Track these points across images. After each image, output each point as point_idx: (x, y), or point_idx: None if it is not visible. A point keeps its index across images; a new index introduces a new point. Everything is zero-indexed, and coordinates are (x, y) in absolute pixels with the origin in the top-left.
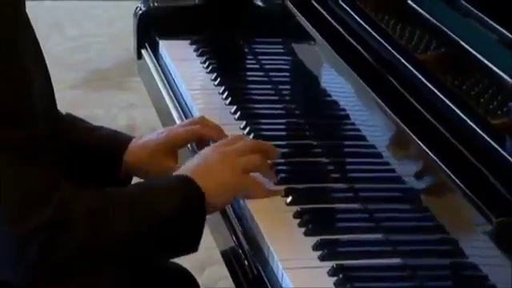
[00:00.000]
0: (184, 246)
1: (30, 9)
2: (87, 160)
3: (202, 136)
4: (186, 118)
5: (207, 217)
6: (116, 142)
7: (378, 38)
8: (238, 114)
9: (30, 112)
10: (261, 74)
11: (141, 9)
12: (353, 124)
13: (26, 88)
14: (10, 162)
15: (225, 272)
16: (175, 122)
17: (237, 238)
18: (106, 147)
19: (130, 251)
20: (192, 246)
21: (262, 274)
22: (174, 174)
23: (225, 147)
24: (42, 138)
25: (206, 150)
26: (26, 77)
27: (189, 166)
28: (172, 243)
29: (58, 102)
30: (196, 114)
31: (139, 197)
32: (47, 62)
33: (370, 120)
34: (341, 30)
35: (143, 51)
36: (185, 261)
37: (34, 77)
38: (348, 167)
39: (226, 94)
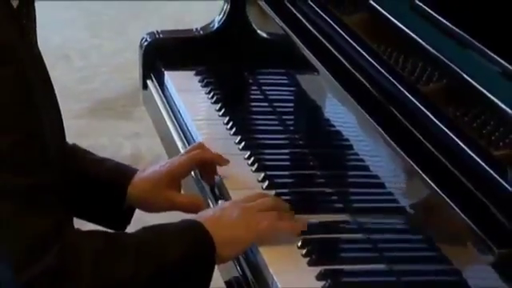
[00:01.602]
0: None
1: (38, 41)
2: (92, 191)
3: (202, 160)
4: None
5: None
6: (121, 175)
7: (381, 69)
8: (243, 144)
9: (40, 159)
10: (265, 104)
11: (146, 40)
12: (356, 154)
13: (35, 133)
14: (12, 210)
15: None
16: (180, 152)
17: (241, 267)
18: (111, 179)
19: None
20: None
21: None
22: (189, 218)
23: (244, 203)
24: (47, 183)
25: (226, 203)
26: (36, 121)
27: (205, 214)
28: None
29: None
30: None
31: (147, 241)
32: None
33: (373, 150)
34: (345, 62)
35: (148, 81)
36: None
37: (46, 116)
38: (351, 197)
39: (230, 124)
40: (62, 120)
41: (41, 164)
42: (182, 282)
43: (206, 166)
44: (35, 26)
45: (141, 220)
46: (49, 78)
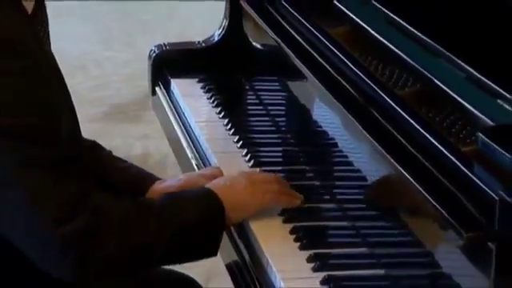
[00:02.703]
0: (204, 250)
1: (58, 53)
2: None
3: None
4: (195, 146)
5: None
6: (141, 182)
7: (362, 76)
8: (240, 142)
9: (55, 135)
10: (260, 107)
11: (155, 51)
12: (341, 151)
13: (54, 118)
14: (42, 177)
15: (229, 282)
16: (185, 151)
17: (239, 251)
18: (132, 187)
19: (157, 254)
20: (211, 251)
21: (262, 284)
22: (204, 187)
23: (252, 174)
24: (68, 155)
25: (234, 174)
26: (54, 109)
27: (217, 183)
28: (194, 248)
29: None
30: (203, 143)
31: (167, 206)
32: (72, 97)
33: (355, 148)
34: (331, 70)
35: (157, 88)
36: (192, 271)
37: (62, 109)
38: (337, 189)
39: (229, 125)
40: (75, 115)
41: (62, 140)
42: (197, 241)
43: None
44: (48, 31)
45: None
46: (63, 80)
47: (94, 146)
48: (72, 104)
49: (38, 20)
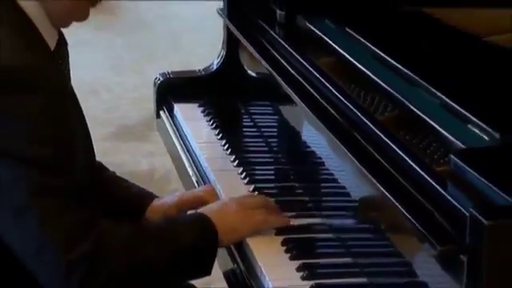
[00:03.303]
0: (199, 271)
1: (74, 78)
2: (118, 212)
3: (204, 202)
4: (195, 164)
5: None
6: (142, 200)
7: (346, 102)
8: (236, 161)
9: (68, 165)
10: (254, 129)
11: (159, 79)
12: (327, 169)
13: (69, 148)
14: (53, 205)
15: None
16: (186, 168)
17: (235, 261)
18: (133, 204)
19: (156, 274)
20: (205, 272)
21: None
22: (197, 211)
23: (242, 199)
24: (79, 184)
25: (225, 199)
26: (70, 140)
27: (210, 208)
28: (189, 269)
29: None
30: (203, 162)
31: (165, 230)
32: (86, 118)
33: (340, 166)
34: (318, 96)
35: (161, 112)
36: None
37: (78, 139)
38: (324, 204)
39: (226, 145)
40: (91, 140)
41: (75, 169)
42: (192, 263)
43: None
44: (69, 66)
45: None
46: (80, 108)
47: (100, 166)
48: (88, 130)
49: (60, 55)
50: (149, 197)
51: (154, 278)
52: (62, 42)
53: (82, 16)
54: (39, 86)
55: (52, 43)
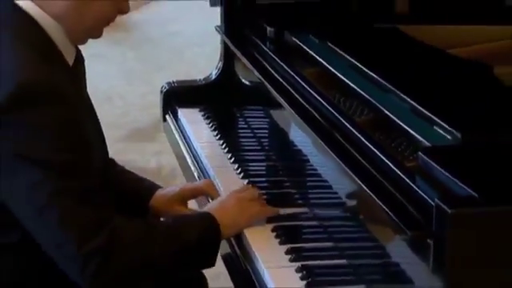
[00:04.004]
0: (204, 263)
1: (90, 87)
2: (127, 201)
3: (204, 193)
4: (197, 162)
5: None
6: (147, 189)
7: (328, 106)
8: (233, 159)
9: (84, 169)
10: (248, 131)
11: (165, 87)
12: (311, 165)
13: (85, 154)
14: (70, 205)
15: (225, 269)
16: (189, 165)
17: (232, 246)
18: (139, 193)
19: (164, 267)
20: (210, 263)
21: (250, 270)
22: (201, 210)
23: (238, 194)
24: (93, 186)
25: (225, 196)
26: (86, 144)
27: (211, 206)
28: (195, 261)
29: (108, 151)
30: (203, 159)
31: (173, 227)
32: (101, 122)
33: (322, 162)
34: (302, 101)
35: (167, 116)
36: None
37: (92, 142)
38: (309, 195)
39: (224, 145)
40: (105, 142)
41: (90, 173)
42: (198, 256)
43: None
44: (85, 79)
45: None
46: (96, 117)
47: (112, 162)
48: (103, 136)
49: (78, 70)
50: (153, 187)
51: (162, 271)
52: (80, 59)
53: (98, 34)
54: (57, 99)
55: (70, 60)
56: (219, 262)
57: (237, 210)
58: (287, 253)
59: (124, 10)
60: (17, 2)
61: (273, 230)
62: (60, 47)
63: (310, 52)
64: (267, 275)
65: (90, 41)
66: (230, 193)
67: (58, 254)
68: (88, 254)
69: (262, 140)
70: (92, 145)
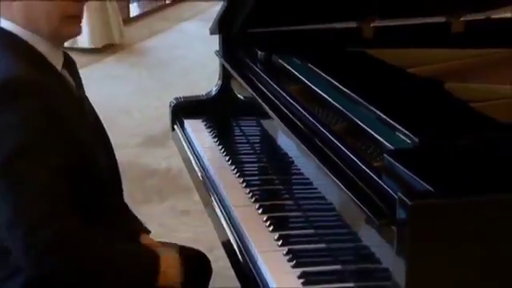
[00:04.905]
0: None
1: (112, 102)
2: None
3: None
4: (200, 164)
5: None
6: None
7: (309, 117)
8: (230, 161)
9: (56, 159)
10: (242, 138)
11: (173, 102)
12: (296, 166)
13: (63, 142)
14: (33, 193)
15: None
16: (194, 166)
17: (231, 233)
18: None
19: (96, 280)
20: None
21: (245, 254)
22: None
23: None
24: (61, 178)
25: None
26: (67, 134)
27: (168, 251)
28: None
29: (126, 156)
30: (206, 162)
31: (119, 253)
32: (119, 133)
33: (305, 163)
34: (288, 113)
35: (175, 126)
36: (200, 245)
37: (79, 134)
38: (294, 190)
39: (222, 150)
40: (110, 145)
41: (60, 165)
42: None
43: None
44: (79, 79)
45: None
46: (94, 114)
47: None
48: (104, 134)
49: (70, 71)
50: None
51: (95, 282)
52: (70, 62)
53: (69, 30)
54: (38, 92)
55: (58, 65)
56: (220, 248)
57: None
58: (277, 239)
59: None
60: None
61: (265, 220)
62: (45, 54)
63: (294, 72)
64: (259, 257)
65: (112, 64)
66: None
67: (9, 235)
68: (33, 242)
69: (255, 145)
70: (77, 139)
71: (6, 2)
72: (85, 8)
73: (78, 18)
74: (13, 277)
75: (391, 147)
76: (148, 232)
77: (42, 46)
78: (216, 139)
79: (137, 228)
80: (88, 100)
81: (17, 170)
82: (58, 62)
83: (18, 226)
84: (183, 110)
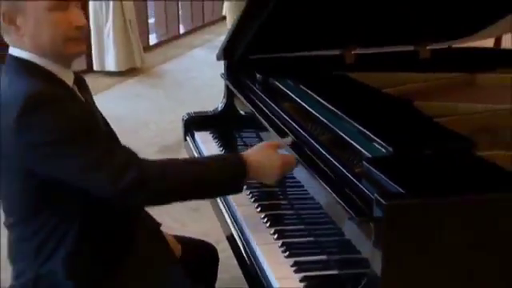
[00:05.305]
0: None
1: (133, 118)
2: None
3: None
4: None
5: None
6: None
7: (299, 129)
8: None
9: (99, 135)
10: (244, 148)
11: (186, 117)
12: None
13: (94, 123)
14: (102, 155)
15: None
16: None
17: (234, 228)
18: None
19: (192, 195)
20: (237, 191)
21: (246, 246)
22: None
23: (268, 147)
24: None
25: (256, 149)
26: (93, 119)
27: (253, 153)
28: (218, 192)
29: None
30: None
31: (197, 164)
32: (139, 142)
33: (296, 169)
34: (282, 126)
35: (187, 137)
36: (208, 238)
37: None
38: (288, 192)
39: None
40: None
41: (103, 138)
42: (219, 191)
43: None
44: (89, 93)
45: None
46: (95, 116)
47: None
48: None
49: (81, 86)
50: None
51: (191, 196)
52: (80, 79)
53: (74, 51)
54: (59, 102)
55: (69, 80)
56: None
57: (266, 159)
58: (273, 233)
59: (74, 21)
60: (10, 53)
61: (263, 217)
62: (55, 73)
63: (287, 92)
64: (258, 249)
65: (134, 85)
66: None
67: (101, 192)
68: (122, 187)
69: None
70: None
71: (17, 32)
72: (111, 37)
73: (79, 39)
74: (55, 252)
75: (369, 155)
76: (160, 224)
77: (51, 67)
78: (221, 148)
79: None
80: (101, 113)
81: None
82: (68, 79)
83: (105, 165)
84: (194, 123)
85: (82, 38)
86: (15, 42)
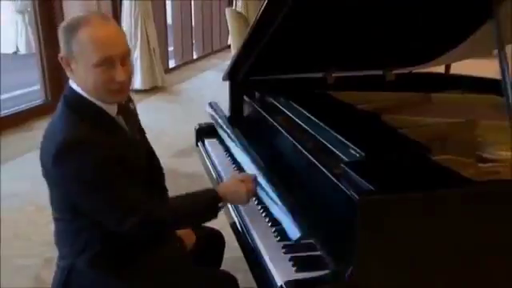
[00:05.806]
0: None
1: (153, 125)
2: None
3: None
4: (215, 170)
5: (225, 209)
6: (210, 191)
7: (291, 138)
8: (236, 168)
9: (123, 181)
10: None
11: (197, 126)
12: (290, 164)
13: (120, 169)
14: (121, 192)
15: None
16: (211, 171)
17: (237, 217)
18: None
19: (178, 226)
20: (212, 218)
21: (247, 235)
22: (213, 188)
23: (236, 177)
24: (133, 189)
25: (228, 179)
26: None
27: (224, 185)
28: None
29: (163, 163)
30: (218, 167)
31: (184, 206)
32: (159, 147)
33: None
34: (275, 135)
35: (198, 143)
36: (215, 225)
37: (132, 162)
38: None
39: (233, 165)
40: (155, 156)
41: (127, 183)
42: (204, 216)
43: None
44: (136, 116)
45: None
46: (144, 140)
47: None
48: (152, 152)
49: (126, 112)
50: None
51: (178, 226)
52: (125, 108)
53: (111, 96)
54: (88, 148)
55: (113, 111)
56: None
57: (233, 186)
58: (274, 232)
59: (115, 77)
60: (71, 85)
61: (264, 215)
62: (100, 105)
63: (280, 107)
64: (261, 246)
65: (156, 100)
66: (231, 177)
67: (112, 225)
68: (129, 226)
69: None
70: (132, 166)
71: (71, 73)
72: (138, 62)
73: (119, 91)
74: (82, 253)
75: (346, 159)
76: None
77: (96, 101)
78: (228, 155)
79: None
80: (144, 134)
81: (103, 177)
82: (112, 111)
83: (115, 211)
84: (204, 132)
85: (121, 90)
86: (73, 78)
